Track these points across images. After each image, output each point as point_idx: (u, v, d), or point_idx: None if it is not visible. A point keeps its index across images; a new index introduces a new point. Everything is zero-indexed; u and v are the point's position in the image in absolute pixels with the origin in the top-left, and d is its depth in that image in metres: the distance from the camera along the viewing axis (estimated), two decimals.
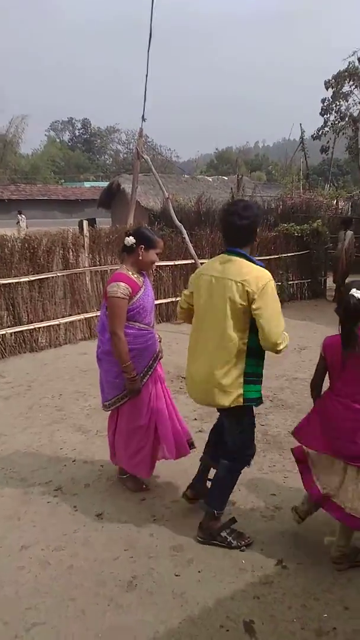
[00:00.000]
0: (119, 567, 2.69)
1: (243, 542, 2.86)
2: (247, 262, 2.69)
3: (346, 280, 10.38)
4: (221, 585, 2.54)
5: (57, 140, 65.36)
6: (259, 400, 2.77)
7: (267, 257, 10.25)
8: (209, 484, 3.13)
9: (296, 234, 10.61)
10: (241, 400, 2.68)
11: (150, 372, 3.26)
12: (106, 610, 2.40)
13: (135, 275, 3.18)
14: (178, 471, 3.65)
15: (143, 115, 9.56)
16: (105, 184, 26.56)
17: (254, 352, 2.68)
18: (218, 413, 3.44)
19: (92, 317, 7.62)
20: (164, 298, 8.74)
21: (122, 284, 3.05)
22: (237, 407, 2.70)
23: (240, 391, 2.66)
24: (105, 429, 4.34)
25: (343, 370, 2.62)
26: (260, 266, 2.70)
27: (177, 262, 8.82)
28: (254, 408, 2.85)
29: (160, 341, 3.39)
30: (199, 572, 2.64)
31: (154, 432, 3.31)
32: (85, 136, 66.83)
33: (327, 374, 2.78)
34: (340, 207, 15.99)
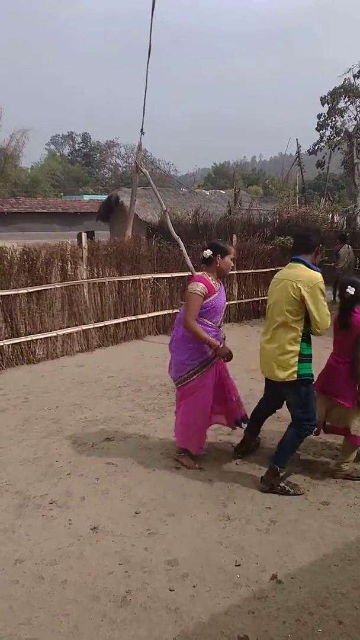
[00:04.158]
0: (113, 582, 2.67)
1: (299, 491, 3.51)
2: (305, 267, 3.48)
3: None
4: (215, 600, 2.53)
5: (58, 154, 65.83)
6: (311, 377, 3.51)
7: (264, 270, 10.33)
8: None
9: (292, 247, 10.69)
10: (295, 375, 3.41)
11: (212, 363, 3.82)
12: (100, 626, 2.38)
13: (214, 281, 3.80)
14: (173, 485, 3.65)
15: (142, 129, 9.68)
16: (104, 197, 26.72)
17: (307, 337, 3.46)
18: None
19: (89, 329, 7.64)
20: (161, 310, 8.77)
21: (201, 284, 3.69)
22: (293, 381, 3.41)
23: (295, 368, 3.40)
24: (102, 441, 4.38)
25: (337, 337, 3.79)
26: (317, 271, 3.46)
27: (174, 275, 8.87)
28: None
29: (224, 338, 3.93)
30: (194, 586, 2.63)
31: (208, 416, 3.91)
32: (85, 150, 67.33)
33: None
34: (335, 221, 16.12)
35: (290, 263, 3.62)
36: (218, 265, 3.81)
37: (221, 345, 3.70)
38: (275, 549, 2.92)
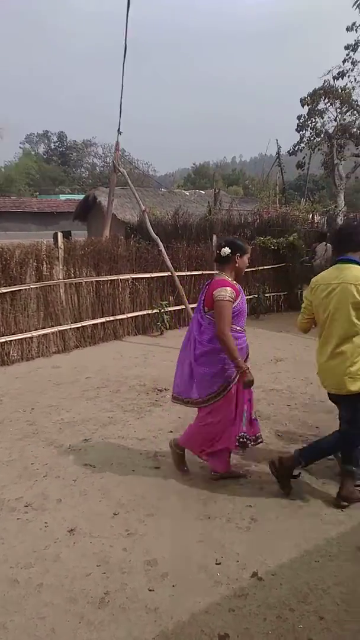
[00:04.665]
0: (91, 584, 2.61)
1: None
2: (359, 267, 3.16)
3: None
4: (196, 599, 2.49)
5: (33, 152, 65.09)
6: None
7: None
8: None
9: (273, 247, 10.77)
10: None
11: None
12: (77, 628, 2.32)
13: (234, 282, 3.46)
14: (153, 486, 3.60)
15: (119, 128, 9.63)
16: (81, 196, 26.52)
17: None
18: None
19: (66, 329, 7.53)
20: (140, 310, 8.71)
21: (229, 288, 3.33)
22: None
23: None
24: (79, 442, 4.30)
25: None
26: None
27: (153, 275, 8.83)
28: None
29: None
30: (173, 586, 2.59)
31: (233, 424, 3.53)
32: (61, 149, 66.74)
33: None
34: (316, 221, 16.31)
35: (338, 264, 3.26)
36: (237, 265, 3.48)
37: (247, 370, 3.33)
38: (256, 547, 2.89)
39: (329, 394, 3.41)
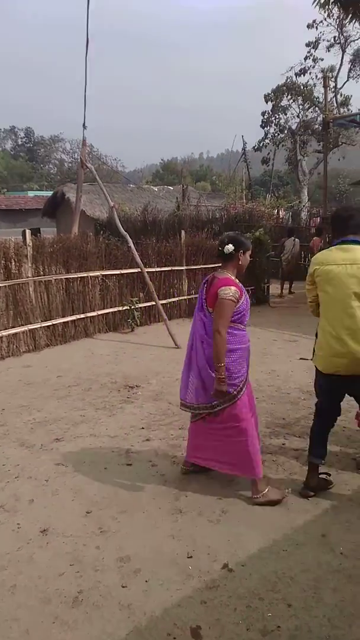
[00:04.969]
0: (65, 583, 2.63)
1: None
2: None
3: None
4: (168, 593, 2.54)
5: (0, 149, 63.80)
6: None
7: (212, 265, 10.43)
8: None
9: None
10: None
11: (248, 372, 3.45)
12: (51, 628, 2.34)
13: (237, 280, 3.38)
14: (125, 483, 3.63)
15: (84, 123, 9.52)
16: (49, 193, 26.17)
17: None
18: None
19: (36, 328, 7.46)
20: (111, 307, 8.70)
21: (233, 288, 3.24)
22: None
23: None
24: (51, 442, 4.29)
25: None
26: None
27: (123, 271, 8.82)
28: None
29: None
30: (146, 581, 2.63)
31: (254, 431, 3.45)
32: (29, 145, 65.62)
33: None
34: (281, 216, 16.57)
35: (341, 245, 3.22)
36: (240, 262, 3.39)
37: (224, 380, 3.22)
38: (226, 539, 2.96)
39: (333, 377, 3.25)
